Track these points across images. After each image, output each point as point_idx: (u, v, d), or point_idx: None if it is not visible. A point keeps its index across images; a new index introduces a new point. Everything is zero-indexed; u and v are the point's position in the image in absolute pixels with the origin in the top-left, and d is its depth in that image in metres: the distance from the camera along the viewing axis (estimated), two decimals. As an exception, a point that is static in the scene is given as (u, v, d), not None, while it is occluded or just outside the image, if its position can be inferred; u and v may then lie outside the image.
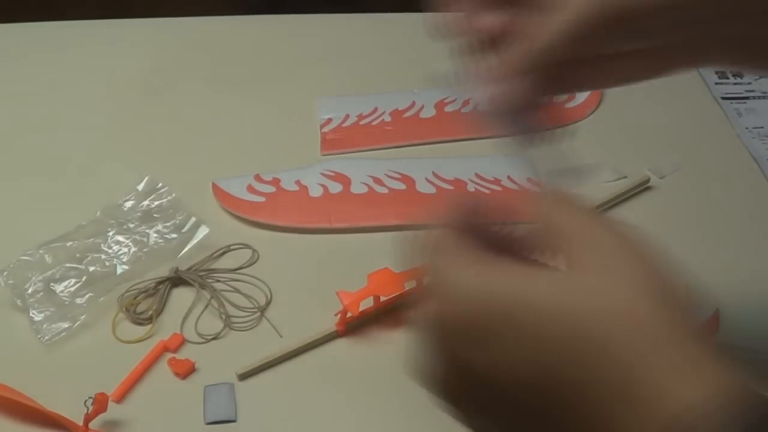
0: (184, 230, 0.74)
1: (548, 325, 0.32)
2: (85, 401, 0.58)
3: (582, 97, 0.88)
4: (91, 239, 0.73)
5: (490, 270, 0.35)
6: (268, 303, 0.69)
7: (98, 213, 0.75)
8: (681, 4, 0.46)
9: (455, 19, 0.48)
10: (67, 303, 0.68)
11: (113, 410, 0.61)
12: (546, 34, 0.45)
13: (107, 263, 0.71)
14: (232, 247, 0.73)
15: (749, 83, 0.92)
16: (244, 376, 0.64)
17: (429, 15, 0.49)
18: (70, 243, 0.72)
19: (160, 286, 0.70)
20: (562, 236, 0.36)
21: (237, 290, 0.70)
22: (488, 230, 0.38)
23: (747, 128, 0.86)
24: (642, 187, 0.79)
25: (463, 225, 0.38)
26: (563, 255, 0.35)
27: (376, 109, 0.88)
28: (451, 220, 0.39)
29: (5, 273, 0.70)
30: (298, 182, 0.79)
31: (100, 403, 0.58)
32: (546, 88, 0.47)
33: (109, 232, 0.73)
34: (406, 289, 0.68)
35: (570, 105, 0.88)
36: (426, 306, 0.36)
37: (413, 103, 0.88)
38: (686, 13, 0.47)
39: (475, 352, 0.34)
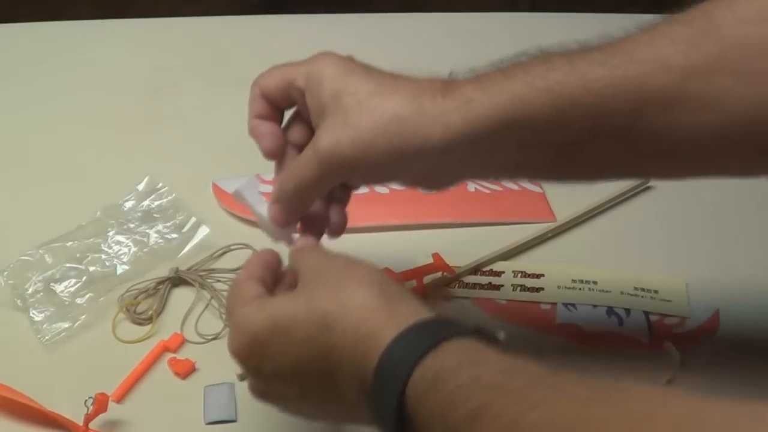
0: (184, 230, 0.74)
1: (299, 324, 0.47)
2: (85, 401, 0.58)
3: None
4: (91, 239, 0.73)
5: (258, 305, 0.49)
6: (268, 303, 0.69)
7: (98, 213, 0.75)
8: (407, 156, 0.52)
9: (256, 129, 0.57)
10: (67, 303, 0.68)
11: (113, 410, 0.61)
12: (289, 179, 0.55)
13: (107, 263, 0.71)
14: (232, 247, 0.73)
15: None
16: (244, 376, 0.64)
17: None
18: (70, 243, 0.72)
19: (161, 286, 0.70)
20: (300, 272, 0.51)
21: (237, 290, 0.70)
22: (268, 275, 0.53)
23: (747, 128, 0.86)
24: (642, 187, 0.79)
25: (248, 275, 0.52)
26: (302, 283, 0.50)
27: (376, 109, 0.88)
28: (240, 274, 0.53)
29: (5, 273, 0.70)
30: (298, 182, 0.79)
31: (100, 403, 0.58)
32: (301, 211, 0.57)
33: (109, 232, 0.73)
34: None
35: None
36: (229, 339, 0.51)
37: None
38: (418, 163, 0.53)
39: (262, 359, 0.49)
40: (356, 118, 0.51)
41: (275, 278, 0.54)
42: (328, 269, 0.50)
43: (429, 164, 0.53)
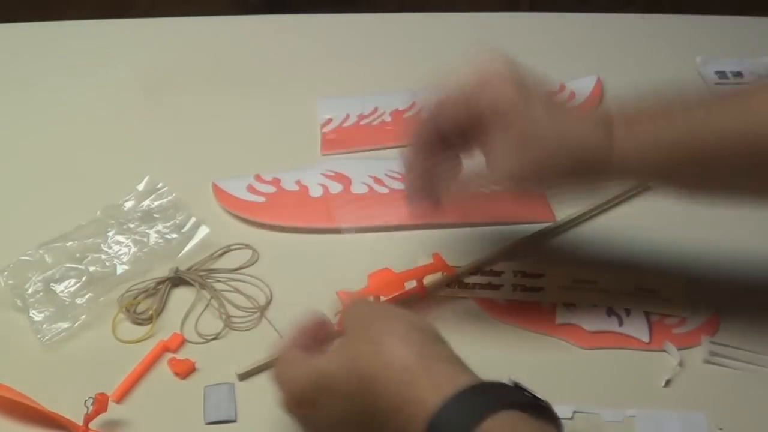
0: (184, 230, 0.74)
1: (340, 382, 0.51)
2: (85, 401, 0.58)
3: (583, 96, 0.89)
4: (91, 239, 0.73)
5: (301, 364, 0.53)
6: (268, 303, 0.69)
7: (98, 213, 0.75)
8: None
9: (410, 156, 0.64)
10: (67, 303, 0.69)
11: (113, 410, 0.61)
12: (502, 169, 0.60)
13: (107, 263, 0.71)
14: (232, 247, 0.73)
15: (748, 84, 0.92)
16: (244, 376, 0.64)
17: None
18: (70, 243, 0.72)
19: (160, 286, 0.70)
20: (346, 321, 0.54)
21: (237, 290, 0.70)
22: (309, 340, 0.57)
23: (747, 128, 0.86)
24: (642, 187, 0.79)
25: (290, 345, 0.56)
26: (347, 333, 0.53)
27: (376, 109, 0.88)
28: (283, 343, 0.57)
29: (5, 273, 0.70)
30: (298, 182, 0.79)
31: (100, 403, 0.58)
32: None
33: (109, 232, 0.74)
34: (406, 289, 0.69)
35: (571, 104, 0.88)
36: (277, 391, 0.55)
37: (413, 103, 0.88)
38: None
39: (310, 409, 0.53)
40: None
41: (319, 338, 0.57)
42: (372, 321, 0.52)
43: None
